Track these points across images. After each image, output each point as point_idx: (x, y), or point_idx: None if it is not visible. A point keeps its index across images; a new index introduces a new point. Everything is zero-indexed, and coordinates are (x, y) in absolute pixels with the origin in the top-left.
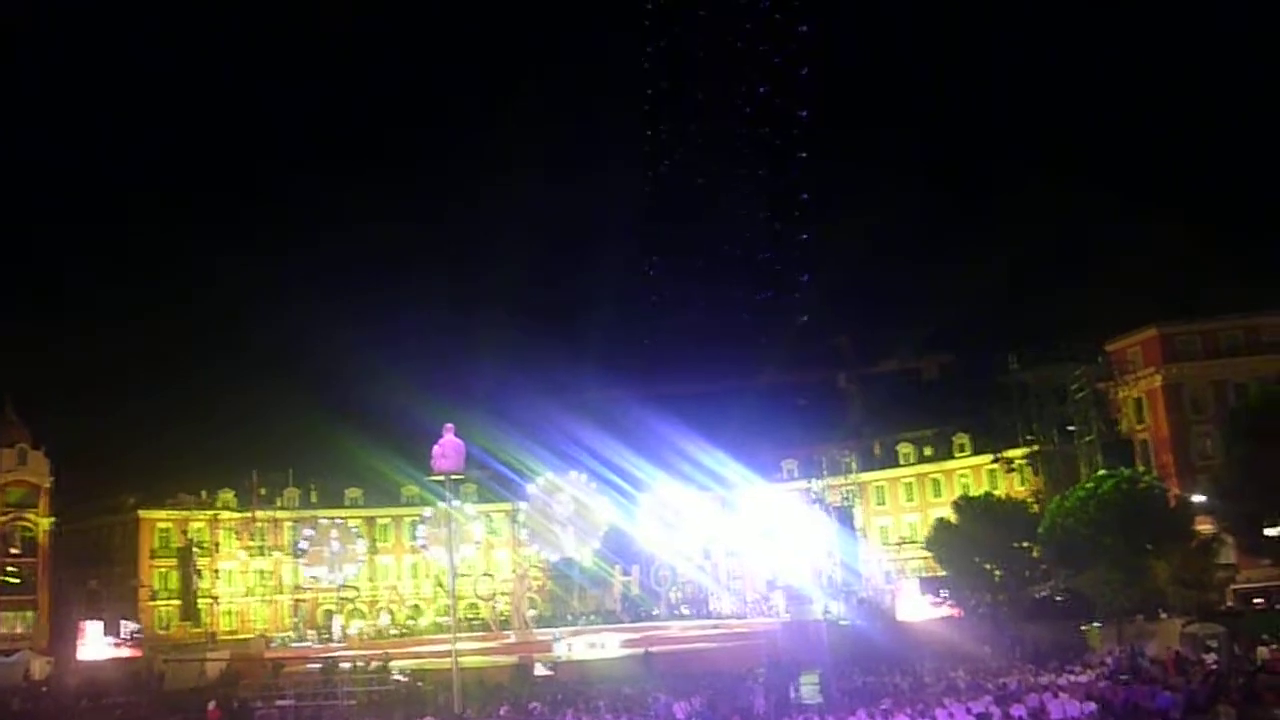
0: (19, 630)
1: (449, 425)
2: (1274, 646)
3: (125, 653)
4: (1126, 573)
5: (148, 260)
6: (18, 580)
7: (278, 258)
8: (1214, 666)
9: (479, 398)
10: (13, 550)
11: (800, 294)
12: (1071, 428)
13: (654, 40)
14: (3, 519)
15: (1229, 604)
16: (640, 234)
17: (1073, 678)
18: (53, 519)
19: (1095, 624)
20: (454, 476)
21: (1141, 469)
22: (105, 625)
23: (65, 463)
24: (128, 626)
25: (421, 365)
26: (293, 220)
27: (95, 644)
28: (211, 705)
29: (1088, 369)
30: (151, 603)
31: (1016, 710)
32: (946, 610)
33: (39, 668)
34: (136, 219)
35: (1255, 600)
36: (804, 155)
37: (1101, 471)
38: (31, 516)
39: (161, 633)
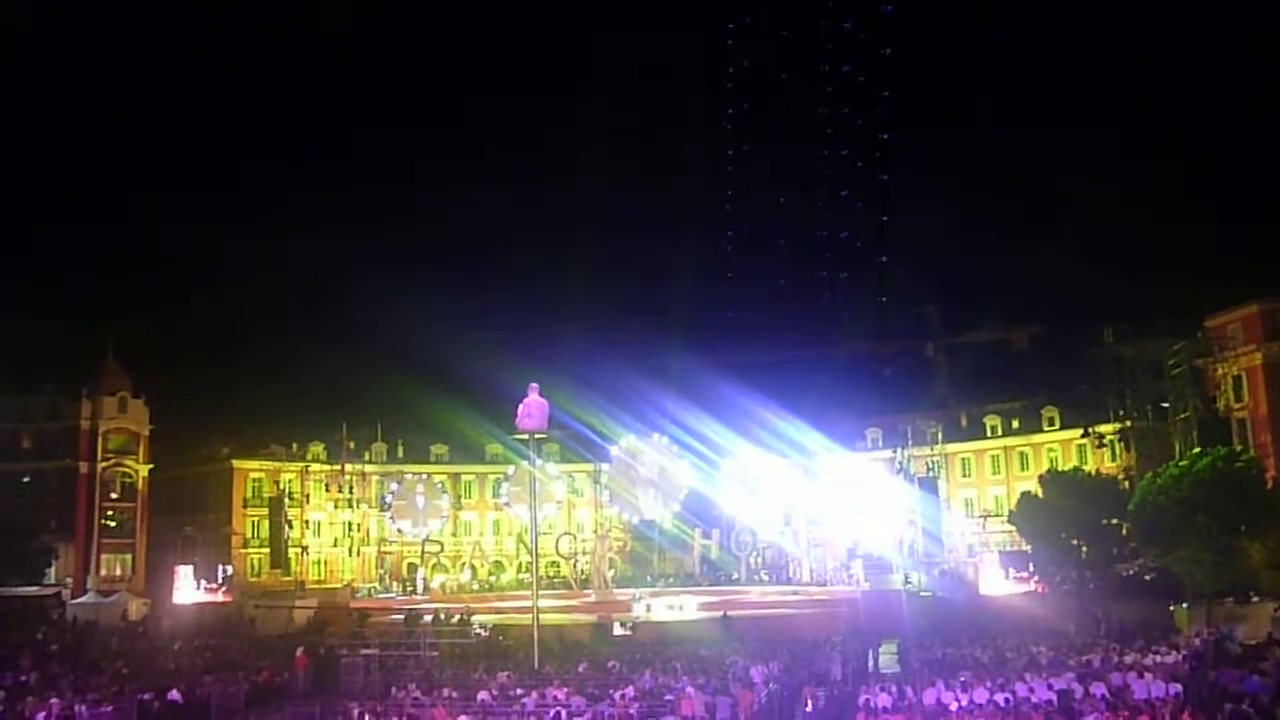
0: (118, 572)
1: (534, 385)
2: None
3: (217, 598)
4: (1218, 553)
5: (244, 224)
6: (117, 524)
7: (373, 227)
8: None
9: (563, 362)
10: (113, 495)
11: (879, 274)
12: (1166, 404)
13: (734, 15)
14: (104, 465)
15: None
16: (721, 209)
17: (1158, 658)
18: (151, 466)
19: (1184, 605)
20: (538, 436)
21: (1238, 448)
22: (198, 570)
23: (163, 413)
24: (223, 571)
25: (508, 330)
26: (387, 188)
27: (189, 588)
28: (299, 651)
29: (1186, 344)
30: (243, 550)
31: (1098, 688)
32: (1030, 585)
33: (136, 609)
34: (235, 184)
35: None
36: (885, 136)
37: (1197, 450)
38: (131, 463)
39: (252, 580)
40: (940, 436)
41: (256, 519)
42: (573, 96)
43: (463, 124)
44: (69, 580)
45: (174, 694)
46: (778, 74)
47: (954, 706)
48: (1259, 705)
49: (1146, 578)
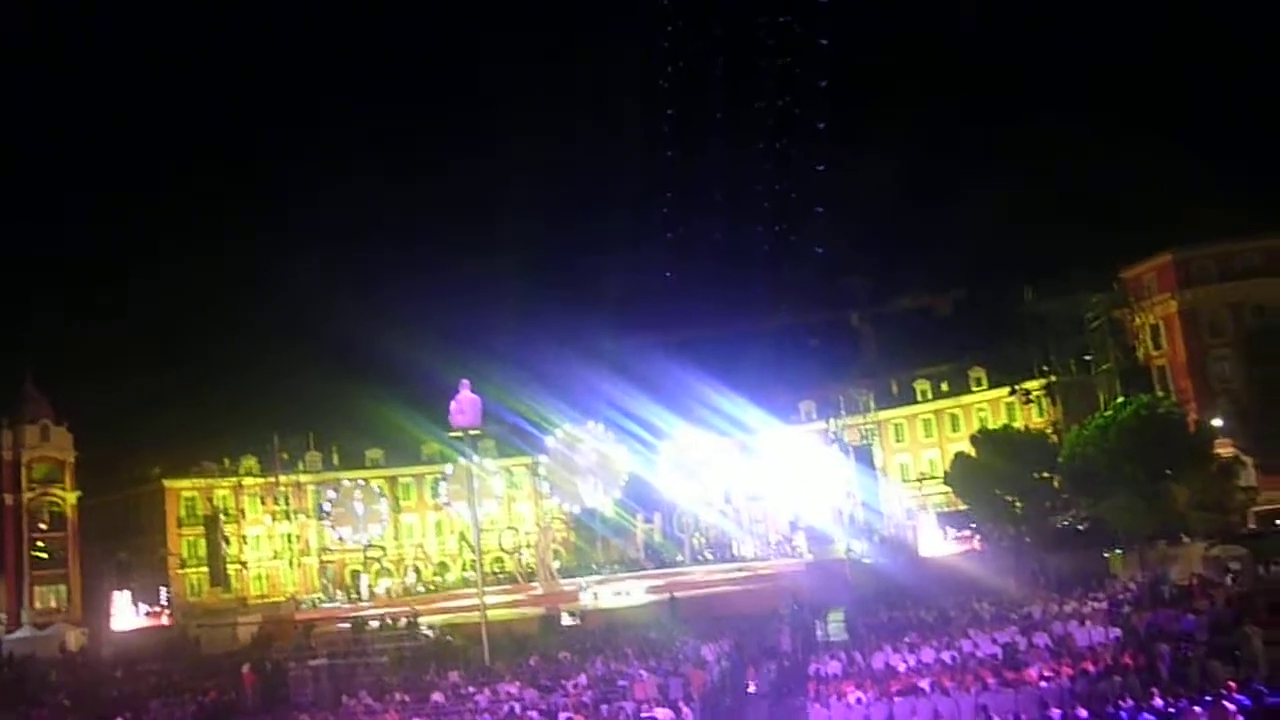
0: (53, 604)
1: (464, 381)
2: None
3: (161, 621)
4: (1147, 499)
5: (160, 233)
6: (48, 555)
7: (286, 224)
8: (1236, 588)
9: (495, 351)
10: (41, 526)
11: (815, 227)
12: (1088, 357)
13: None
14: (30, 495)
15: (1250, 526)
16: (652, 171)
17: (1096, 605)
18: (79, 493)
19: (1117, 550)
20: (472, 432)
21: (1160, 395)
22: (136, 595)
23: (88, 437)
24: (165, 594)
25: (436, 322)
26: (300, 184)
27: (127, 614)
28: (246, 668)
29: (1103, 297)
30: (181, 571)
31: (1041, 639)
32: (969, 544)
33: (74, 639)
34: (147, 191)
35: (1277, 521)
36: (824, 84)
37: (1120, 399)
38: (58, 492)
39: (193, 600)
40: (872, 404)
41: (192, 538)
42: (494, 65)
43: (381, 114)
44: (2, 615)
45: None
46: (709, 31)
47: (902, 668)
48: (1195, 642)
49: (1080, 528)
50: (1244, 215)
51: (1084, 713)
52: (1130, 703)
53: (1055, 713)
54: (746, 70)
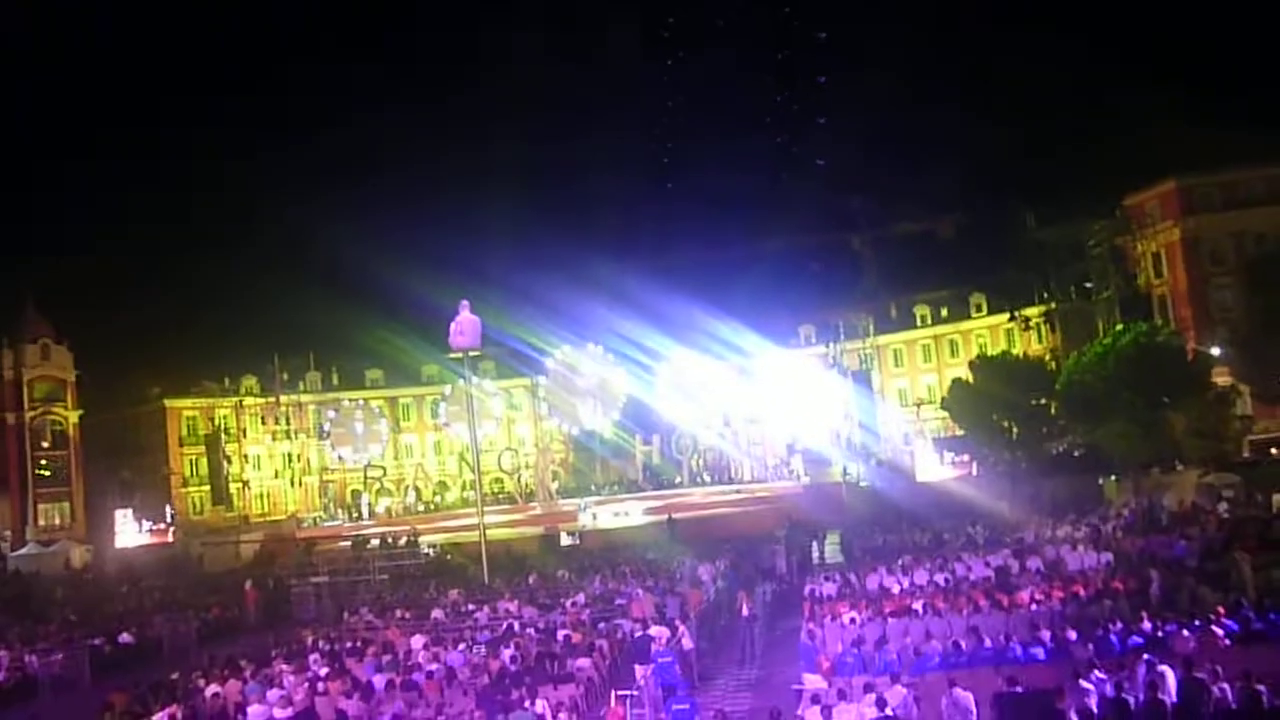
0: (57, 521)
1: (464, 302)
2: None
3: (160, 539)
4: (1143, 426)
5: (161, 157)
6: (51, 473)
7: (286, 150)
8: (1228, 515)
9: (493, 275)
10: (44, 444)
11: (816, 142)
12: (1089, 284)
13: None
14: (32, 414)
15: (1245, 454)
16: (648, 101)
17: (1090, 529)
18: (80, 412)
19: (1112, 477)
20: (472, 353)
21: (1159, 323)
22: (139, 513)
23: (89, 356)
24: (170, 513)
25: (434, 246)
26: (299, 112)
27: (130, 532)
28: (248, 585)
29: (1105, 224)
30: (183, 489)
31: (1033, 562)
32: (965, 469)
33: (79, 556)
34: (148, 117)
35: (1271, 450)
36: (821, 19)
37: (1119, 327)
38: (60, 410)
39: (195, 518)
40: (871, 329)
41: (194, 457)
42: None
43: (376, 41)
44: (7, 533)
45: (125, 636)
46: None
47: (896, 589)
48: (1185, 568)
49: (1076, 454)
50: (1247, 144)
51: (1073, 635)
52: (1120, 626)
53: (1045, 634)
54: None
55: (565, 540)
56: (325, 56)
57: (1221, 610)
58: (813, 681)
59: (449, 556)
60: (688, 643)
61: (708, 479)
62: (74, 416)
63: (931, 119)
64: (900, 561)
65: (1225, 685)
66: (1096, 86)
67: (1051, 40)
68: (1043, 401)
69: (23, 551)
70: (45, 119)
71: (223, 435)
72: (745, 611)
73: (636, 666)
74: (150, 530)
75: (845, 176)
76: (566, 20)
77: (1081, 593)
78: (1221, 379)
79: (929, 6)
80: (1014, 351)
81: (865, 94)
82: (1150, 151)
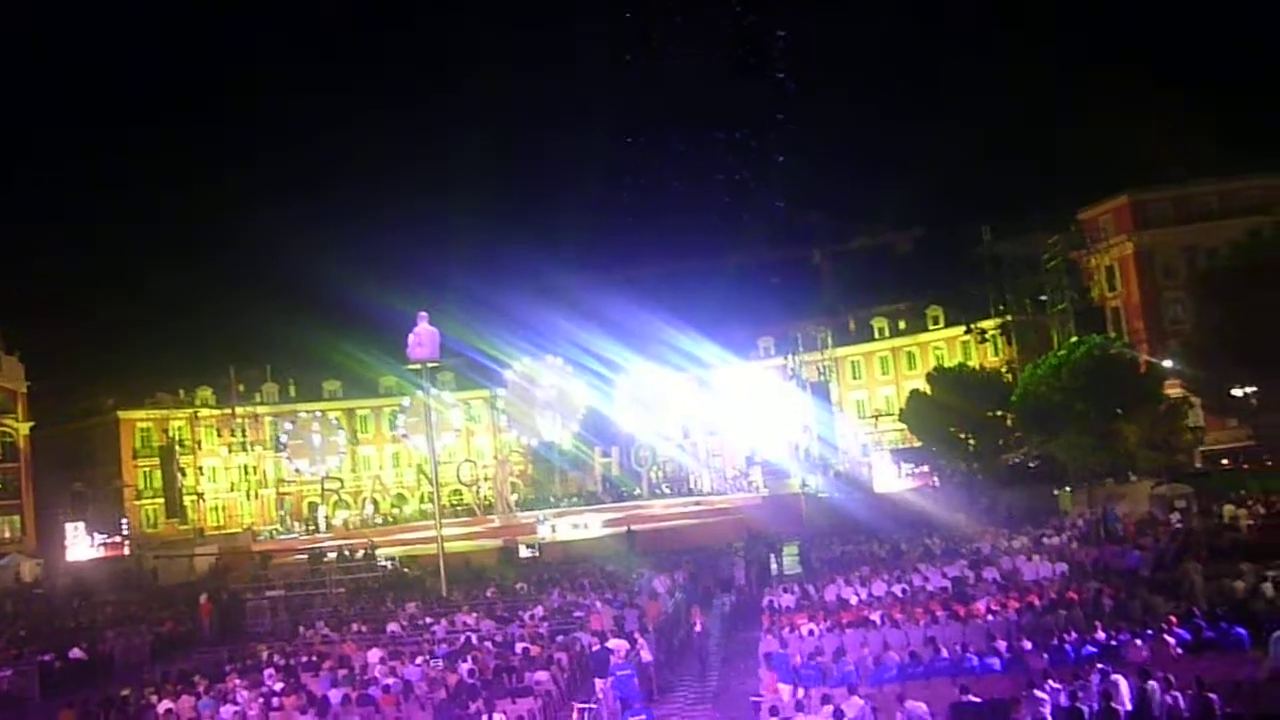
0: (7, 534)
1: (422, 314)
2: (1239, 505)
3: (113, 553)
4: (1097, 437)
5: (120, 168)
6: (1, 486)
7: (247, 160)
8: (1180, 525)
9: (453, 286)
10: None
11: (774, 166)
12: (1044, 297)
13: None
14: None
15: (1197, 465)
16: (610, 114)
17: (1045, 540)
18: (31, 423)
19: (1067, 488)
20: (430, 365)
21: (1113, 336)
22: (91, 526)
23: (41, 367)
24: (125, 525)
25: (394, 256)
26: (261, 123)
27: (82, 545)
28: (203, 598)
29: (1060, 238)
30: (137, 502)
31: (989, 573)
32: (922, 480)
33: (29, 570)
34: (108, 129)
35: (1222, 461)
36: (781, 34)
37: (1074, 339)
38: (10, 422)
39: (150, 531)
40: (830, 341)
41: (148, 469)
42: (450, 12)
43: (342, 53)
44: None
45: (76, 652)
46: None
47: (854, 600)
48: (1139, 578)
49: (1031, 465)
50: (1199, 158)
51: (1029, 645)
52: (1074, 635)
53: (1001, 645)
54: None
55: (524, 552)
56: (287, 67)
57: (1174, 620)
58: (771, 690)
59: (406, 569)
60: (646, 655)
61: (667, 491)
62: (24, 428)
63: (889, 135)
64: (858, 573)
65: (1178, 694)
66: (1051, 102)
67: (1007, 57)
68: (999, 413)
69: None
70: (5, 129)
71: (177, 447)
72: (698, 627)
73: (595, 679)
74: (103, 544)
75: (804, 191)
76: (530, 32)
77: (1037, 603)
78: (1174, 391)
79: (886, 24)
80: (970, 364)
81: (823, 110)
82: (1104, 166)
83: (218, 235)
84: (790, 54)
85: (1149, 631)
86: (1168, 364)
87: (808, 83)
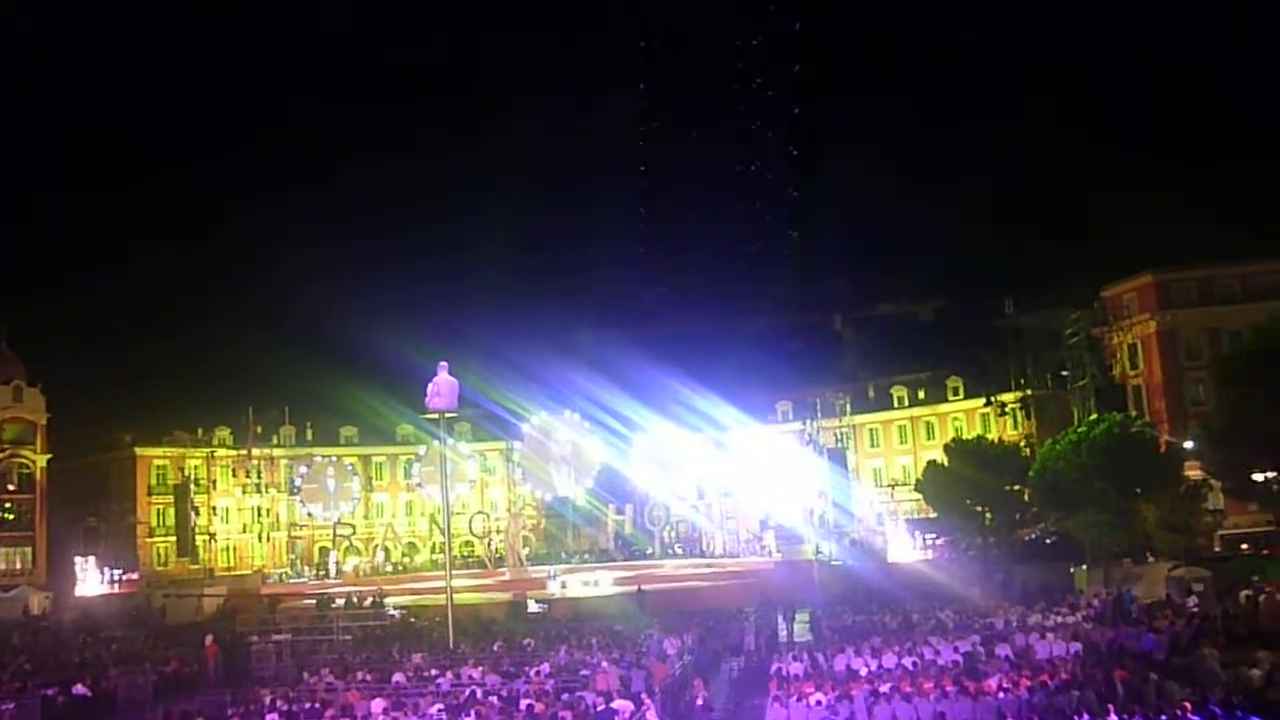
0: (18, 566)
1: (442, 363)
2: (1259, 592)
3: (123, 589)
4: (1115, 516)
5: (147, 211)
6: (14, 517)
7: (274, 206)
8: (1197, 609)
9: (473, 339)
10: (10, 487)
11: (790, 247)
12: (1065, 373)
13: None
14: None
15: (1216, 549)
16: (636, 177)
17: (1059, 618)
18: (49, 456)
19: (1083, 566)
20: (448, 415)
21: (1134, 414)
22: (102, 561)
23: (61, 401)
24: (138, 564)
25: (415, 308)
26: (288, 169)
27: (92, 580)
28: (209, 639)
29: (1083, 314)
30: (149, 539)
31: (1002, 649)
32: (937, 552)
33: (37, 603)
34: (135, 169)
35: (1242, 545)
36: (796, 110)
37: (1094, 416)
38: (28, 453)
39: (160, 569)
40: (849, 408)
41: (162, 507)
42: (482, 66)
43: (371, 104)
44: None
45: (79, 688)
46: (692, 45)
47: (864, 671)
48: (1154, 661)
49: (1048, 541)
50: (1224, 242)
51: None
52: (1087, 717)
53: None
54: (730, 77)
55: (533, 607)
56: (316, 116)
57: (1188, 706)
58: None
59: (414, 619)
60: (652, 717)
61: (679, 551)
62: (42, 460)
63: (914, 208)
64: (869, 643)
65: None
66: (1078, 180)
67: (1036, 135)
68: (1016, 487)
69: None
70: (34, 172)
71: (192, 486)
72: (700, 701)
73: None
74: (113, 579)
75: (827, 259)
76: (559, 96)
77: (1049, 682)
78: (1194, 472)
79: (915, 101)
80: (989, 436)
81: (852, 183)
82: (1128, 245)
83: (241, 279)
84: (815, 128)
85: (1163, 717)
86: (1188, 445)
87: (832, 155)
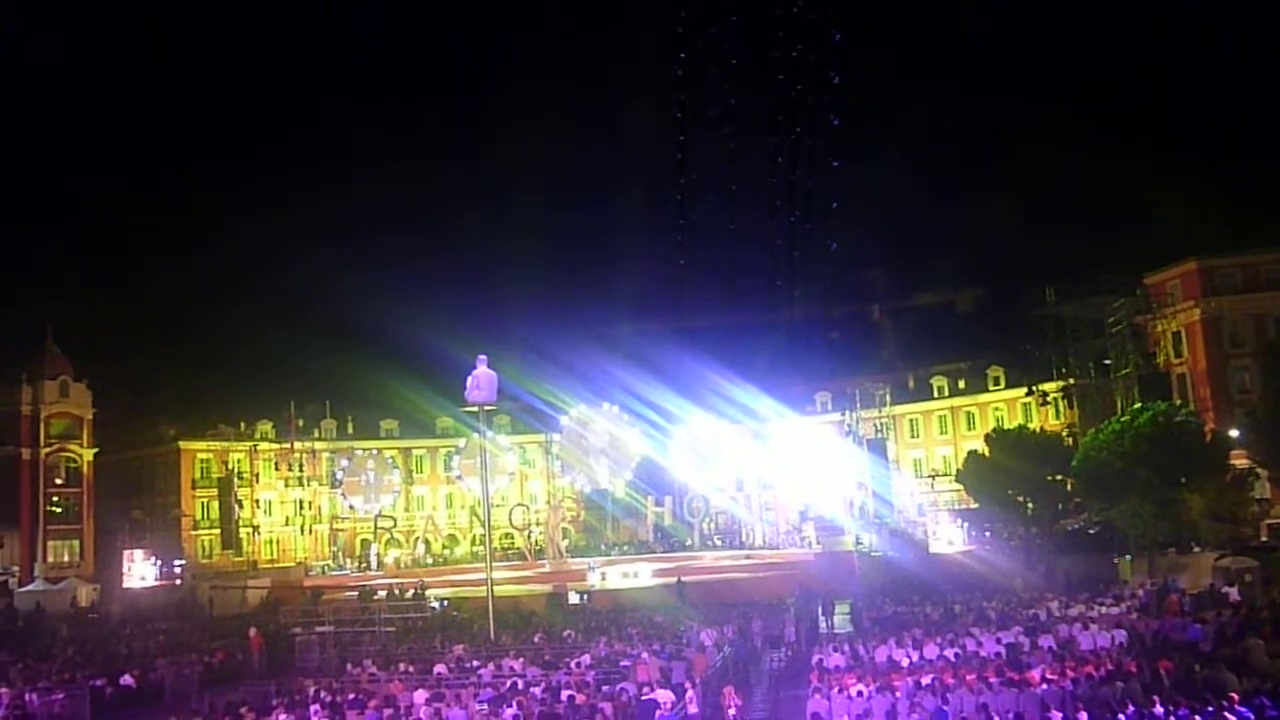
0: (66, 559)
1: (482, 356)
2: None
3: (168, 581)
4: (1160, 506)
5: (187, 203)
6: (62, 510)
7: (315, 201)
8: (1243, 600)
9: (512, 332)
10: (57, 481)
11: (830, 221)
12: (1107, 361)
13: None
14: (47, 450)
15: (1262, 538)
16: (672, 169)
17: (1103, 609)
18: (95, 450)
19: (1127, 557)
20: (487, 408)
21: (1178, 403)
22: (148, 553)
23: (106, 395)
24: (169, 559)
25: (455, 301)
26: (329, 163)
27: (139, 572)
28: (253, 631)
29: (1126, 302)
30: (193, 532)
31: (1045, 641)
32: (978, 542)
33: (85, 594)
34: (175, 164)
35: None
36: (835, 78)
37: (1137, 405)
38: (75, 448)
39: (204, 561)
40: (888, 398)
41: (206, 500)
42: (515, 57)
43: (409, 96)
44: (15, 568)
45: (127, 678)
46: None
47: (905, 663)
48: (1200, 652)
49: (1091, 531)
50: (1268, 227)
51: (1085, 716)
52: (1132, 709)
53: (1056, 715)
54: (761, 60)
55: (573, 599)
56: (355, 109)
57: (1235, 697)
58: None
59: (456, 611)
60: (693, 708)
61: (719, 543)
62: (89, 454)
63: (954, 195)
64: (911, 634)
65: None
66: (1119, 165)
67: (1075, 120)
68: (1059, 477)
69: (30, 588)
70: (78, 168)
71: (236, 479)
72: (732, 710)
73: None
74: (159, 572)
75: (867, 248)
76: (594, 87)
77: (1094, 673)
78: (1240, 461)
79: (953, 85)
80: (1031, 426)
81: (890, 169)
82: (1171, 231)
83: (281, 273)
84: (857, 113)
85: (1209, 708)
86: (1234, 433)
87: (873, 144)
